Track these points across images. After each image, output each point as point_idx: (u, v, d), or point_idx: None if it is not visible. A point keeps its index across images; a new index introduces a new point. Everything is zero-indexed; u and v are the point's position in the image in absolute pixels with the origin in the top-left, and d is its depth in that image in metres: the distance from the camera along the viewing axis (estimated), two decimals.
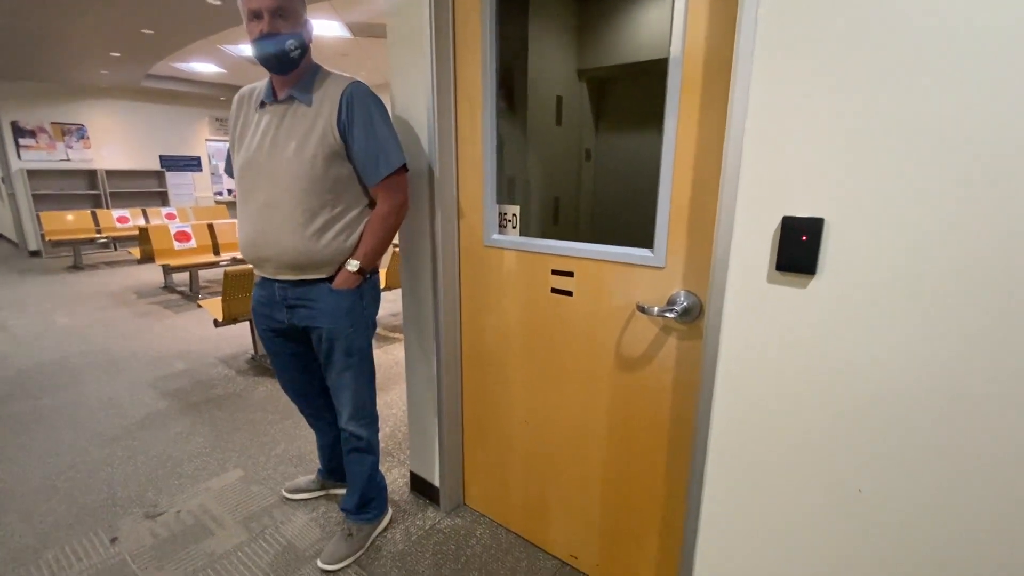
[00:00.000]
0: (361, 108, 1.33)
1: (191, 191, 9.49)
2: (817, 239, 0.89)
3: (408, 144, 1.57)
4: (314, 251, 1.37)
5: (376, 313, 1.56)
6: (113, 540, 1.71)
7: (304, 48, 1.33)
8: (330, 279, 1.43)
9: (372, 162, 1.35)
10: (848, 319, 0.90)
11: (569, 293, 1.39)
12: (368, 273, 1.46)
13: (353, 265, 1.40)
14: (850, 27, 0.82)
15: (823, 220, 0.89)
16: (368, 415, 1.58)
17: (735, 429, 1.06)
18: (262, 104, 1.40)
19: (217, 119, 9.62)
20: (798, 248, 0.91)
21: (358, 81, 1.37)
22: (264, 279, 1.51)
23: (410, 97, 1.55)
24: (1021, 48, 0.71)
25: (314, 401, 1.72)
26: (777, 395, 1.00)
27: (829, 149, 0.87)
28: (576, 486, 1.52)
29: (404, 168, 1.39)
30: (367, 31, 5.42)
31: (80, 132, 8.02)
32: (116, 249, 8.16)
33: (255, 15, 1.27)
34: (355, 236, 1.42)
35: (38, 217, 7.26)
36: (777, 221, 0.94)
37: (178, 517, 1.82)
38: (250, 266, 2.86)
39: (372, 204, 1.46)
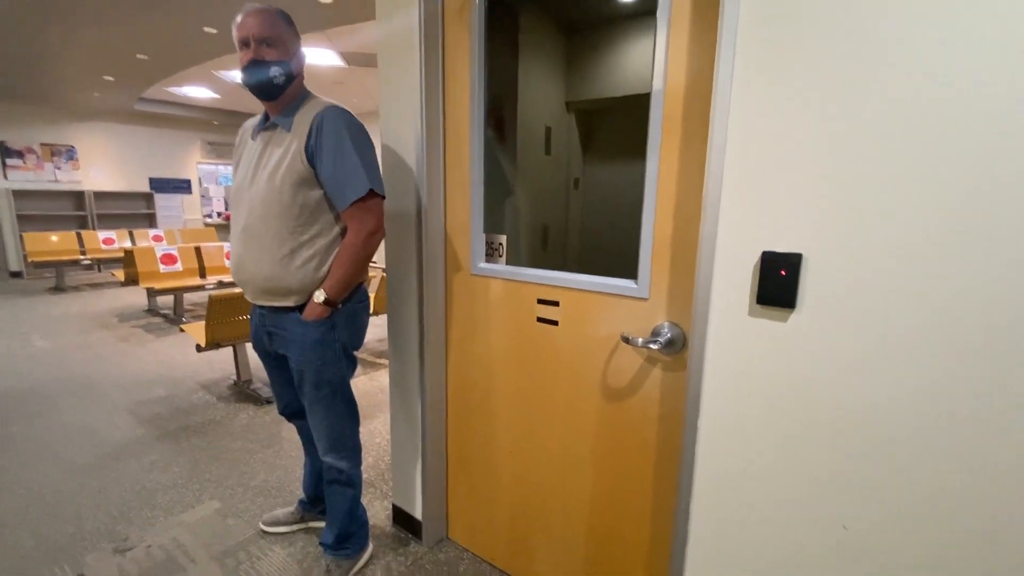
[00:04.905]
0: (331, 132, 1.31)
1: (180, 213, 9.45)
2: (796, 274, 0.91)
3: (396, 171, 1.58)
4: (283, 277, 1.36)
5: (357, 346, 1.53)
6: None
7: (290, 76, 1.34)
8: (301, 309, 1.41)
9: (340, 187, 1.33)
10: (828, 353, 0.90)
11: (555, 323, 1.39)
12: (340, 304, 1.42)
13: (319, 296, 1.37)
14: (830, 64, 0.85)
15: (801, 255, 0.90)
16: (347, 448, 1.55)
17: (721, 461, 1.05)
18: (256, 132, 1.43)
19: (210, 143, 9.65)
20: (778, 283, 0.92)
21: (335, 105, 1.36)
22: (252, 304, 1.50)
23: (399, 125, 1.57)
24: (1002, 88, 0.74)
25: (307, 425, 1.68)
26: (761, 428, 0.99)
27: (807, 185, 0.89)
28: (562, 519, 1.49)
29: (374, 194, 1.35)
30: (361, 60, 5.52)
31: (70, 153, 8.00)
32: (100, 271, 8.05)
33: (244, 43, 1.31)
34: (326, 266, 1.39)
35: (21, 237, 7.15)
36: (757, 256, 0.95)
37: (148, 552, 1.74)
38: (236, 291, 2.83)
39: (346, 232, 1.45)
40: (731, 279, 0.99)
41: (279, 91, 1.34)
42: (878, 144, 0.82)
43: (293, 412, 1.68)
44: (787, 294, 0.92)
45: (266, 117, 1.42)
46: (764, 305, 0.95)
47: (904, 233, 0.81)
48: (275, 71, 1.31)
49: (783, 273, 0.92)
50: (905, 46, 0.78)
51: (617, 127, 2.54)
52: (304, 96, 1.40)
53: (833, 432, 0.92)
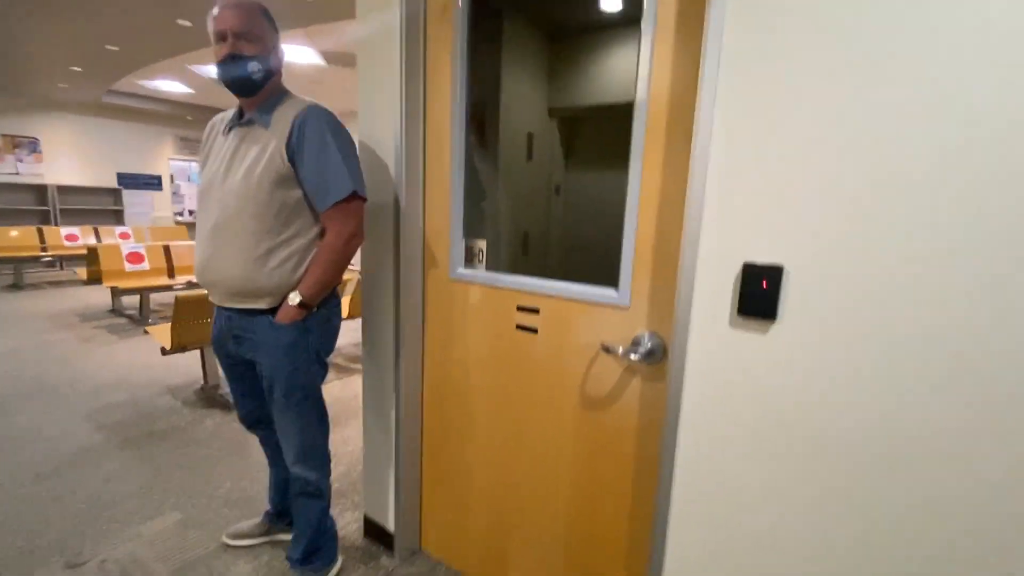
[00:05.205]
0: (314, 132, 1.28)
1: (149, 210, 9.16)
2: (777, 286, 0.90)
3: (374, 173, 1.54)
4: (256, 278, 1.31)
5: (329, 351, 1.49)
6: None
7: (268, 72, 1.31)
8: (273, 312, 1.36)
9: (321, 188, 1.30)
10: (808, 365, 0.90)
11: (534, 330, 1.37)
12: (315, 307, 1.38)
13: (294, 298, 1.32)
14: (816, 75, 0.85)
15: (783, 267, 0.90)
16: (316, 458, 1.49)
17: (699, 473, 1.04)
18: (229, 128, 1.38)
19: (182, 138, 9.40)
20: (759, 294, 0.92)
21: (316, 105, 1.33)
22: (217, 306, 1.44)
23: (378, 126, 1.53)
24: (985, 86, 0.74)
25: (272, 434, 1.62)
26: (741, 439, 0.98)
27: (791, 196, 0.88)
28: (539, 530, 1.46)
29: (356, 196, 1.32)
30: (340, 59, 5.44)
31: (32, 146, 7.69)
32: (63, 268, 7.73)
33: (221, 36, 1.27)
34: (302, 268, 1.34)
35: None
36: (739, 266, 0.94)
37: (102, 567, 1.65)
38: (204, 292, 2.73)
39: (325, 233, 1.41)
40: (712, 289, 0.98)
41: (257, 87, 1.31)
42: (865, 155, 0.82)
43: (255, 420, 1.62)
44: (768, 306, 0.91)
45: (240, 113, 1.37)
46: (745, 316, 0.94)
47: (889, 246, 0.81)
48: (253, 67, 1.27)
49: (764, 284, 0.91)
50: (895, 57, 0.78)
51: (599, 135, 2.55)
52: (282, 93, 1.37)
53: (814, 447, 0.91)
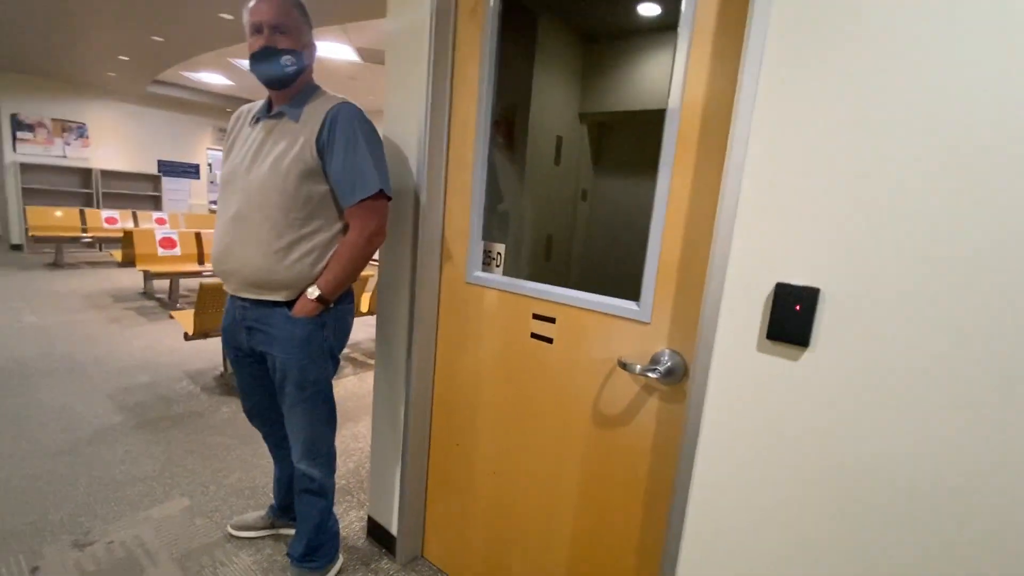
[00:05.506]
0: (345, 128, 1.28)
1: (186, 198, 9.43)
2: (812, 310, 0.84)
3: (396, 170, 1.52)
4: (276, 270, 1.30)
5: (341, 348, 1.47)
6: (34, 570, 1.55)
7: (301, 66, 1.31)
8: (290, 305, 1.34)
9: (348, 184, 1.30)
10: (842, 397, 0.83)
11: (549, 340, 1.32)
12: (332, 303, 1.37)
13: (313, 292, 1.31)
14: (857, 86, 0.78)
15: (819, 290, 0.83)
16: (322, 455, 1.47)
17: (715, 505, 0.98)
18: (257, 120, 1.38)
19: (221, 129, 9.65)
20: (791, 318, 0.85)
21: (348, 102, 1.33)
22: (231, 296, 1.43)
23: (402, 123, 1.51)
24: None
25: (277, 429, 1.62)
26: (763, 474, 0.92)
27: (829, 215, 0.82)
28: (542, 549, 1.41)
29: (382, 195, 1.32)
30: (376, 57, 5.50)
31: (80, 130, 7.99)
32: (101, 250, 8.01)
33: (256, 29, 1.27)
34: (323, 263, 1.34)
35: (24, 211, 7.12)
36: (770, 287, 0.88)
37: (109, 549, 1.67)
38: None
39: (348, 229, 1.39)
40: (740, 309, 0.91)
41: (289, 81, 1.31)
42: (915, 172, 0.75)
43: (259, 414, 1.61)
44: (801, 331, 0.85)
45: (269, 105, 1.37)
46: (775, 341, 0.88)
47: (937, 272, 0.74)
48: (286, 59, 1.28)
49: (798, 308, 0.85)
50: (954, 66, 0.71)
51: (630, 141, 2.48)
52: (313, 88, 1.37)
53: (844, 486, 0.84)
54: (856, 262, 0.80)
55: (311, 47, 1.36)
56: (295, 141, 1.29)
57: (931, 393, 0.76)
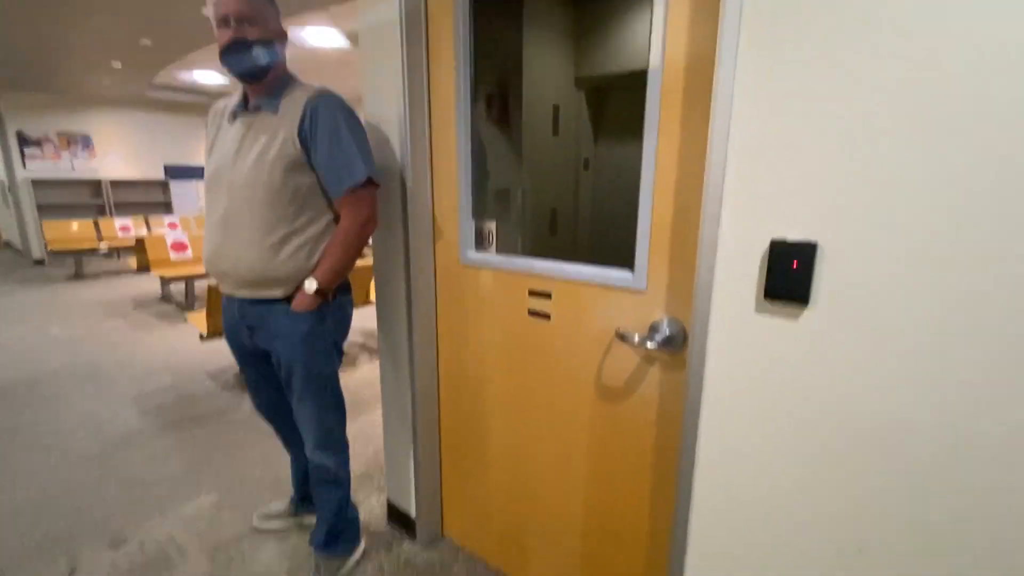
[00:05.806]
0: (327, 118, 1.25)
1: (195, 200, 9.51)
2: (810, 266, 0.79)
3: (379, 153, 1.48)
4: (271, 266, 1.28)
5: (344, 339, 1.47)
6: (72, 572, 1.62)
7: (274, 56, 1.28)
8: (288, 300, 1.34)
9: (335, 174, 1.27)
10: (844, 355, 0.79)
11: (547, 316, 1.29)
12: (331, 295, 1.36)
13: (310, 285, 1.30)
14: (843, 26, 0.72)
15: (816, 245, 0.78)
16: (334, 445, 1.48)
17: (722, 470, 0.95)
18: (234, 115, 1.35)
19: None
20: (788, 275, 0.81)
21: (328, 90, 1.30)
22: (228, 296, 1.43)
23: (381, 103, 1.47)
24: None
25: (288, 423, 1.63)
26: (768, 437, 0.89)
27: (823, 164, 0.76)
28: (557, 519, 1.41)
29: (371, 182, 1.30)
30: None
31: (85, 142, 8.07)
32: (119, 258, 8.17)
33: (223, 21, 1.23)
34: (317, 255, 1.32)
35: (41, 226, 7.28)
36: (765, 244, 0.83)
37: (142, 547, 1.72)
38: None
39: (339, 220, 1.37)
40: (736, 270, 0.87)
41: (263, 72, 1.27)
42: (905, 115, 0.69)
43: (269, 409, 1.62)
44: (799, 288, 0.80)
45: (245, 99, 1.34)
46: (773, 300, 0.84)
47: (940, 218, 0.69)
48: (259, 52, 1.24)
49: (795, 264, 0.80)
50: (933, 10, 0.65)
51: (632, 104, 2.36)
52: (288, 78, 1.34)
53: (850, 445, 0.81)
54: (855, 213, 0.75)
55: (282, 35, 1.32)
56: (276, 134, 1.26)
57: (938, 347, 0.71)
